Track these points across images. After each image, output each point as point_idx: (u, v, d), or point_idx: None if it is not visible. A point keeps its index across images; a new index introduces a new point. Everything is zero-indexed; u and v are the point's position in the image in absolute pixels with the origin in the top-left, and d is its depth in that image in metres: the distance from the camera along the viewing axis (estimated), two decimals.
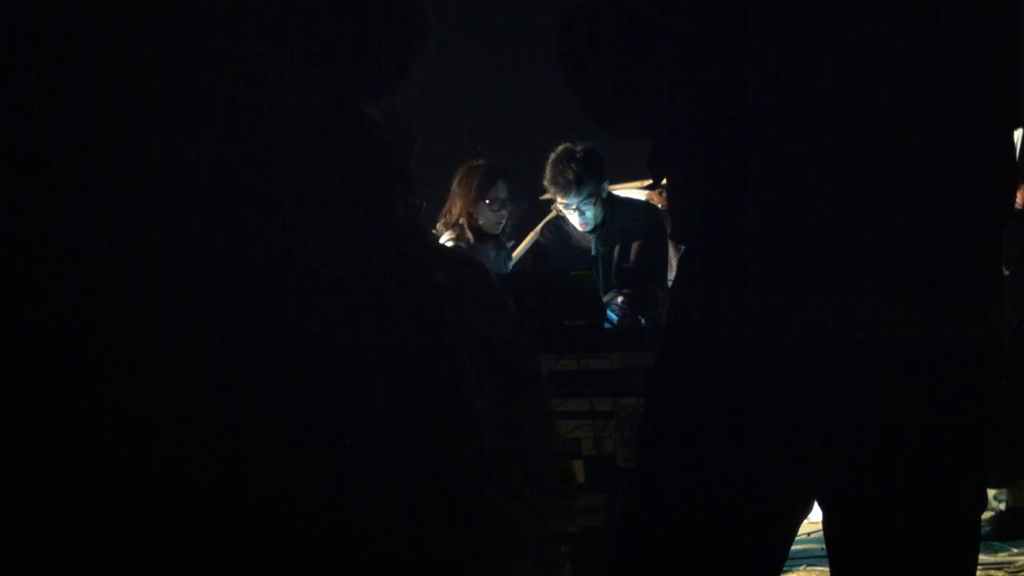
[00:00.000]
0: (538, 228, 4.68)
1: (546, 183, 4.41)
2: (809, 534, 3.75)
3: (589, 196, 4.30)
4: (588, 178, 4.27)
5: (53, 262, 1.46)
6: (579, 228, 4.38)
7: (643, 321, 3.92)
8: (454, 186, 4.39)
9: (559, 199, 4.35)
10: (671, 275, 4.87)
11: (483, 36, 6.92)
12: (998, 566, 4.12)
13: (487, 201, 4.32)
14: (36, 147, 1.47)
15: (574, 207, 4.32)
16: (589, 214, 4.34)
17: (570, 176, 4.26)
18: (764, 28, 1.38)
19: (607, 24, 1.46)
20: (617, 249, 4.38)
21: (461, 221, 4.34)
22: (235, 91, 1.52)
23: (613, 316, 3.99)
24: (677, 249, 4.40)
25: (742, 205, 1.40)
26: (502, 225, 4.38)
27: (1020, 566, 4.13)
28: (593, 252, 4.39)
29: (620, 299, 4.10)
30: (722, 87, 1.41)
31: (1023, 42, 1.44)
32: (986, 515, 4.59)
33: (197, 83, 1.50)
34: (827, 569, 1.53)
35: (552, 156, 4.37)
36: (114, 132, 1.47)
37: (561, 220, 4.53)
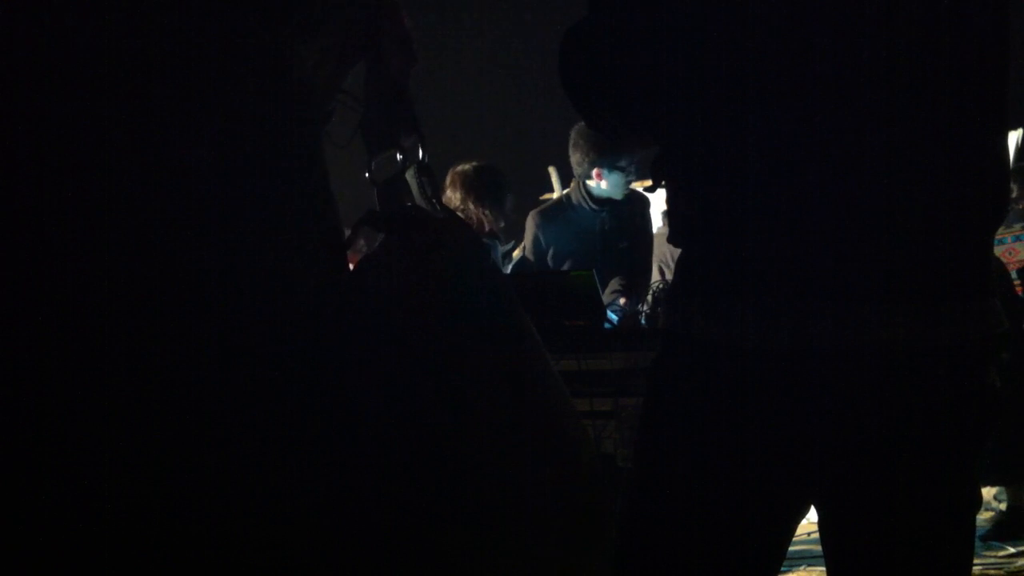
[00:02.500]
0: (530, 220, 4.65)
1: (585, 150, 4.34)
2: (809, 534, 3.75)
3: (630, 163, 4.30)
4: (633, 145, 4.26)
5: (53, 261, 1.46)
6: (610, 191, 4.34)
7: (643, 321, 3.92)
8: (463, 185, 4.42)
9: (605, 159, 4.29)
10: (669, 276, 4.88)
11: (483, 36, 6.92)
12: (998, 566, 4.12)
13: (501, 204, 4.39)
14: (37, 146, 1.47)
15: (621, 166, 4.28)
16: (624, 179, 4.33)
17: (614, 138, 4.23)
18: (763, 35, 1.38)
19: (607, 40, 1.46)
20: (620, 233, 4.39)
21: (477, 219, 4.39)
22: (237, 90, 1.52)
23: (613, 316, 3.99)
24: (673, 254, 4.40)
25: (740, 209, 1.40)
26: (488, 225, 4.44)
27: (1019, 566, 4.14)
28: (605, 226, 4.37)
29: (622, 300, 4.10)
30: (720, 94, 1.41)
31: (1013, 46, 1.44)
32: (986, 515, 4.61)
33: (198, 83, 1.50)
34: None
35: (582, 126, 4.34)
36: (114, 132, 1.47)
37: (558, 206, 4.51)
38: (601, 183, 4.35)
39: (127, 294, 1.46)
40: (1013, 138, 5.61)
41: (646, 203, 4.50)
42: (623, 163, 4.29)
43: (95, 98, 1.47)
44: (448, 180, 4.46)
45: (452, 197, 4.43)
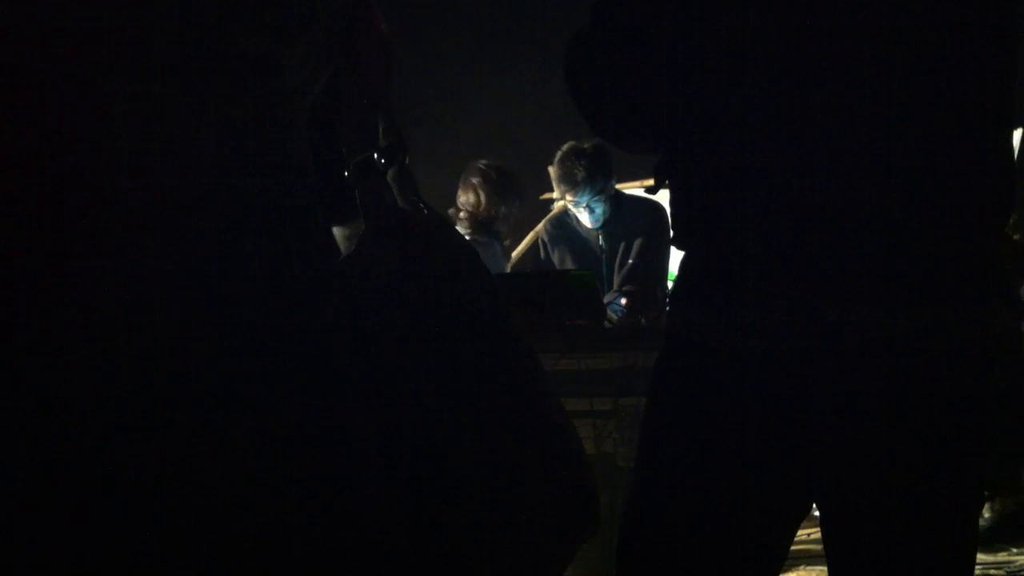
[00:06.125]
0: (540, 225, 4.69)
1: (555, 181, 4.41)
2: (809, 534, 3.75)
3: (599, 193, 4.30)
4: (598, 175, 4.28)
5: (53, 261, 1.46)
6: (588, 225, 4.39)
7: (643, 321, 3.92)
8: (486, 180, 4.47)
9: (568, 197, 4.36)
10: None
11: (483, 36, 6.92)
12: (997, 565, 4.12)
13: (512, 205, 4.43)
14: (36, 146, 1.47)
15: (584, 205, 4.32)
16: (599, 211, 4.34)
17: (580, 174, 4.26)
18: (763, 35, 1.38)
19: (612, 46, 1.46)
20: (622, 247, 4.38)
21: (486, 216, 4.44)
22: (237, 89, 1.52)
23: (614, 315, 3.99)
24: None
25: (741, 211, 1.40)
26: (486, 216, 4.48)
27: (1019, 566, 4.13)
28: (600, 248, 4.39)
29: (624, 300, 4.09)
30: (722, 94, 1.41)
31: (1020, 41, 1.44)
32: (985, 516, 4.61)
33: (198, 82, 1.50)
34: (826, 569, 1.53)
35: (560, 154, 4.36)
36: (114, 131, 1.47)
37: (565, 216, 4.53)
38: (582, 217, 4.40)
39: (127, 291, 1.46)
40: (1017, 136, 5.60)
41: (658, 210, 4.48)
42: (582, 200, 4.31)
43: (98, 96, 1.47)
44: (468, 175, 4.50)
45: (467, 194, 4.47)
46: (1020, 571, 4.08)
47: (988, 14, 1.41)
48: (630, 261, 4.35)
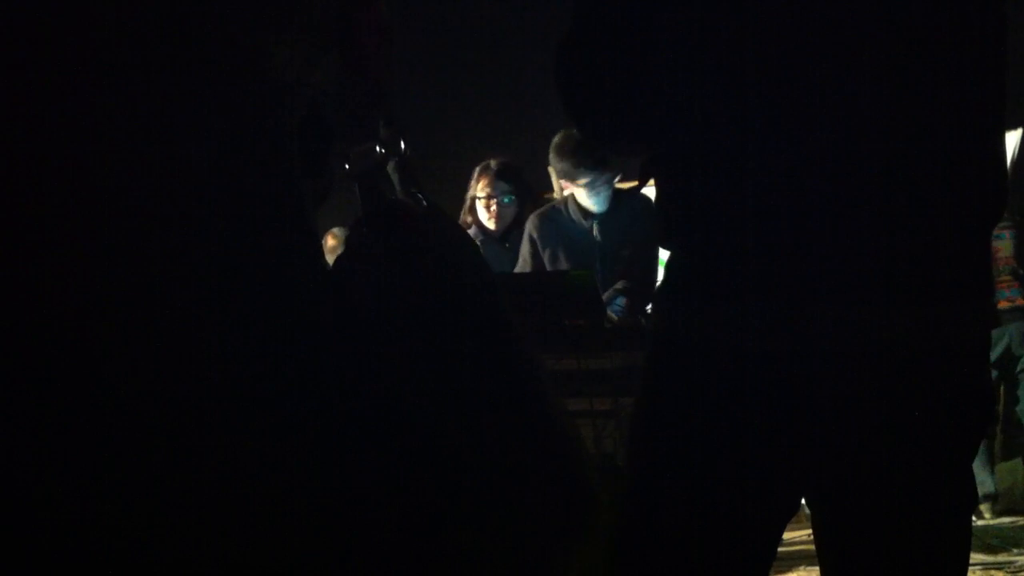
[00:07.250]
0: (528, 223, 4.66)
1: (560, 170, 4.36)
2: (809, 534, 3.75)
3: (610, 179, 4.30)
4: (609, 156, 4.26)
5: (53, 261, 1.46)
6: (594, 209, 4.35)
7: (643, 320, 3.91)
8: (481, 177, 4.53)
9: (580, 180, 4.31)
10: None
11: (483, 36, 6.93)
12: (998, 566, 4.13)
13: (477, 197, 4.43)
14: (37, 145, 1.47)
15: (599, 185, 4.30)
16: (603, 195, 4.33)
17: (597, 154, 4.23)
18: (761, 35, 1.38)
19: (603, 50, 1.46)
20: (618, 242, 4.38)
21: (466, 218, 4.47)
22: (238, 86, 1.52)
23: (614, 312, 3.99)
24: None
25: (740, 210, 1.40)
26: (499, 221, 4.46)
27: (1020, 566, 4.14)
28: (596, 242, 4.37)
29: (624, 300, 4.09)
30: (718, 95, 1.41)
31: (1010, 44, 1.45)
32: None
33: (198, 80, 1.50)
34: None
35: (559, 142, 4.31)
36: (113, 130, 1.47)
37: (554, 211, 4.52)
38: (585, 199, 4.39)
39: (126, 290, 1.46)
40: (1013, 138, 5.60)
41: (650, 205, 4.46)
42: (592, 179, 4.30)
43: (97, 93, 1.47)
44: (487, 172, 4.52)
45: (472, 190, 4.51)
46: (1020, 571, 4.09)
47: (985, 14, 1.42)
48: (626, 255, 4.34)
